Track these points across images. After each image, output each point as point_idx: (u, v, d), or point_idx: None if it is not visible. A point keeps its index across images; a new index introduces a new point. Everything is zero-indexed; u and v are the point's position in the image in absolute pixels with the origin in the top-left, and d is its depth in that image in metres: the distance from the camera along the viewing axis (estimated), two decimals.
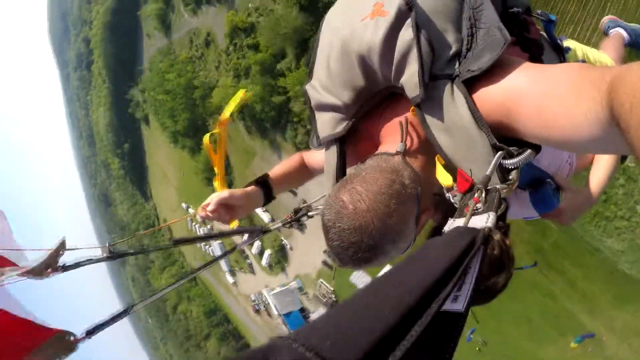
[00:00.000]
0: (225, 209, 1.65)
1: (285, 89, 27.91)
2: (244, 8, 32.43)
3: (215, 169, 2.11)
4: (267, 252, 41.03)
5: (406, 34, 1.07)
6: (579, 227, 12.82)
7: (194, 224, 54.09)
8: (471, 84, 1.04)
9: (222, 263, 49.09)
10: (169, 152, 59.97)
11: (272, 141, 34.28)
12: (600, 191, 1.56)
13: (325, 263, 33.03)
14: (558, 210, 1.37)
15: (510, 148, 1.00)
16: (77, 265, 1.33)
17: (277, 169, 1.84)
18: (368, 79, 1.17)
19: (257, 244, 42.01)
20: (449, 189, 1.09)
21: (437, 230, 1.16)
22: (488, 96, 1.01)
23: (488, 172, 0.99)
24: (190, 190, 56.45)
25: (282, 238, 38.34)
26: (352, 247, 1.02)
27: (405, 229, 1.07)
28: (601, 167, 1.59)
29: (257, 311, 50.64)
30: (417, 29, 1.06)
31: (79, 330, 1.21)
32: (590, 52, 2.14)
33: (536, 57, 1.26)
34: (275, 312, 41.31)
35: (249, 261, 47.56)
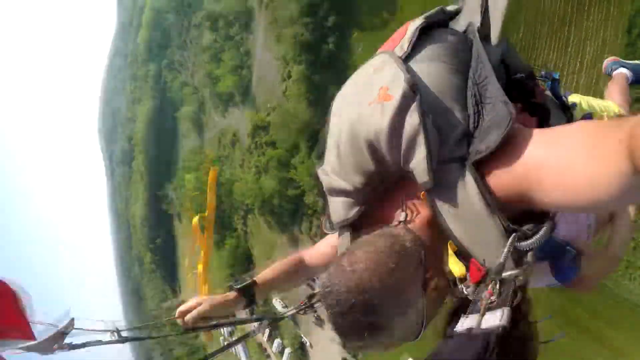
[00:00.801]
0: (204, 319, 1.63)
1: (300, 182, 28.54)
2: (265, 107, 34.35)
3: (203, 257, 2.26)
4: (287, 351, 39.30)
5: (412, 118, 1.05)
6: (612, 283, 11.31)
7: None
8: (482, 163, 1.00)
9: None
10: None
11: (290, 234, 34.52)
12: (623, 249, 1.49)
13: None
14: (579, 278, 1.29)
15: (525, 228, 0.97)
16: (84, 345, 1.36)
17: (267, 272, 1.78)
18: (377, 163, 1.15)
19: (277, 342, 40.82)
20: (462, 280, 1.06)
21: (454, 315, 1.06)
22: (502, 173, 0.98)
23: (501, 259, 0.96)
24: (217, 285, 55.95)
25: (302, 335, 37.23)
26: (351, 312, 0.97)
27: (408, 290, 1.02)
28: (621, 223, 1.50)
29: None
30: (423, 113, 1.05)
31: None
32: (596, 103, 2.10)
33: (544, 121, 1.23)
34: None
35: None
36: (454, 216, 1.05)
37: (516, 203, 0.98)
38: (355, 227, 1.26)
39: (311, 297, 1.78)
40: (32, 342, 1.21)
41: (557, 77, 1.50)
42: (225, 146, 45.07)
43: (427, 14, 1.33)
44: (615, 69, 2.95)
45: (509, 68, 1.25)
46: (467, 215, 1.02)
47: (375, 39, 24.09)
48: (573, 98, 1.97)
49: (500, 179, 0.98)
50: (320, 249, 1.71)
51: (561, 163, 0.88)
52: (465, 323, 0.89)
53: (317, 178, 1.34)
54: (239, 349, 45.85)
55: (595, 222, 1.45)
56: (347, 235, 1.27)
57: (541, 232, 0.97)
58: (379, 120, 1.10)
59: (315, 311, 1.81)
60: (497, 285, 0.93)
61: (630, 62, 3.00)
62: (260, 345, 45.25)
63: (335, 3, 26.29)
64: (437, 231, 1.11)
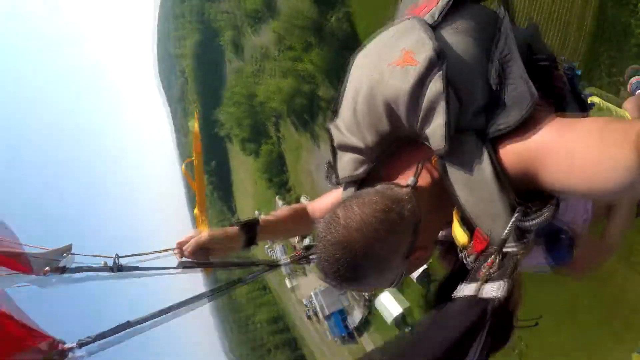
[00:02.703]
0: (203, 250, 1.63)
1: (314, 78, 31.40)
2: (285, 16, 36.79)
3: (197, 199, 1.97)
4: None
5: (435, 85, 1.07)
6: None
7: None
8: (497, 138, 1.05)
9: (283, 268, 51.36)
10: (244, 162, 65.69)
11: (311, 132, 37.34)
12: (618, 241, 1.53)
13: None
14: (572, 263, 1.29)
15: (530, 206, 1.02)
16: (77, 269, 1.30)
17: (271, 216, 1.82)
18: (393, 125, 1.17)
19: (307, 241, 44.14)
20: (464, 248, 1.11)
21: (446, 283, 1.18)
22: (515, 150, 1.02)
23: (504, 235, 1.00)
24: (261, 196, 61.04)
25: None
26: (335, 263, 1.03)
27: (391, 259, 1.07)
28: (618, 215, 1.54)
29: (309, 317, 53.03)
30: (447, 81, 1.06)
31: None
32: (613, 108, 2.15)
33: (559, 106, 1.22)
34: (321, 316, 43.34)
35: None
36: (465, 185, 1.07)
37: (523, 182, 1.01)
38: (361, 184, 1.27)
39: (308, 248, 1.88)
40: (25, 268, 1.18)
41: (579, 73, 1.46)
42: (257, 60, 48.08)
43: None
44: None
45: (532, 52, 1.23)
46: (478, 185, 1.05)
47: None
48: (593, 99, 2.02)
49: (512, 156, 1.02)
50: (324, 204, 1.73)
51: (571, 148, 0.91)
52: (464, 290, 0.93)
53: (328, 131, 1.34)
54: (277, 253, 50.09)
55: (592, 212, 1.41)
56: (352, 191, 1.28)
57: (545, 214, 0.99)
58: (400, 83, 1.10)
59: (310, 262, 1.87)
60: (498, 258, 0.95)
61: None
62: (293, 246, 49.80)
63: None
64: (439, 201, 1.16)
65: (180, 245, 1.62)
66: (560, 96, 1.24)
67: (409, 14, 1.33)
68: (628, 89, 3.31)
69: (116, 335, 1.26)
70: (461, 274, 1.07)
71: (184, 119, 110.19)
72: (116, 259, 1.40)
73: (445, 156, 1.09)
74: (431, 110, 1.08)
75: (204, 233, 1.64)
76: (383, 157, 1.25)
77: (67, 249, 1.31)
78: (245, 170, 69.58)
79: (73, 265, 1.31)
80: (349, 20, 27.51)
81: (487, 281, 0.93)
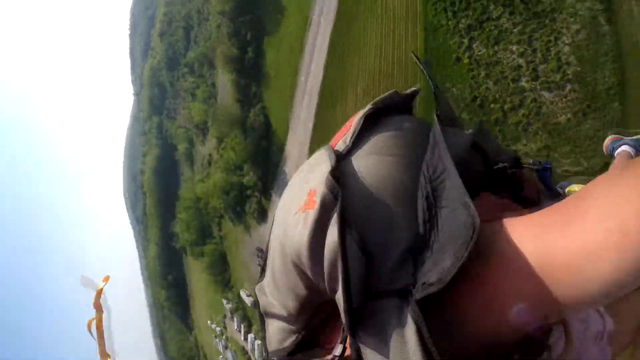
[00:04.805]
0: None
1: (241, 168, 35.22)
2: (218, 119, 41.87)
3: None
4: (257, 343, 42.54)
5: (331, 234, 0.79)
6: None
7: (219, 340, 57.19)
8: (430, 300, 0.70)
9: None
10: (198, 272, 65.91)
11: (245, 223, 39.85)
12: None
13: None
14: None
15: None
16: None
17: None
18: (308, 287, 0.90)
19: (250, 337, 44.43)
20: None
21: None
22: (487, 295, 0.70)
23: None
24: (212, 301, 60.72)
25: None
26: None
27: None
28: None
29: None
30: (343, 226, 0.77)
31: None
32: None
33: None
34: None
35: None
36: None
37: (499, 336, 0.72)
38: (293, 356, 1.06)
39: None
40: None
41: (548, 165, 1.29)
42: (204, 167, 52.13)
43: (376, 100, 1.04)
44: (618, 147, 2.81)
45: (487, 156, 1.03)
46: None
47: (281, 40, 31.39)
48: (572, 188, 1.86)
49: (481, 302, 0.71)
50: None
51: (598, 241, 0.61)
52: None
53: (255, 295, 1.11)
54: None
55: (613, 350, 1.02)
56: None
57: None
58: (297, 236, 0.85)
59: None
60: None
61: (632, 137, 2.85)
62: (242, 348, 48.97)
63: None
64: None
65: None
66: (534, 204, 1.05)
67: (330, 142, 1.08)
68: (605, 151, 3.06)
69: None
70: None
71: (144, 236, 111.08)
72: None
73: (356, 333, 0.76)
74: (334, 268, 0.79)
75: None
76: (313, 323, 1.00)
77: None
78: (198, 280, 69.70)
79: None
80: (264, 114, 32.23)
81: None
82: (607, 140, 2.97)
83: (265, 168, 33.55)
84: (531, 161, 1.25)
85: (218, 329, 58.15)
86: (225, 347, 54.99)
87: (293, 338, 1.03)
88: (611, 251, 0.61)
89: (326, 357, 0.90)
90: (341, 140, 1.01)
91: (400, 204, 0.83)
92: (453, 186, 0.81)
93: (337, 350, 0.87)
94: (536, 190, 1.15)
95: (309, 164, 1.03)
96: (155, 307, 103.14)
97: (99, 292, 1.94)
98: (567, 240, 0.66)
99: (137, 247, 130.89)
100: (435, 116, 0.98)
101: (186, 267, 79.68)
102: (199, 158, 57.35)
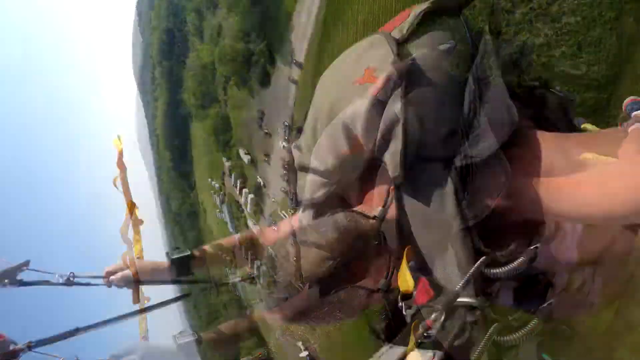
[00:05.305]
0: (130, 281, 1.64)
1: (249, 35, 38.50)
2: None
3: (131, 217, 1.92)
4: (250, 197, 46.45)
5: (394, 106, 0.96)
6: None
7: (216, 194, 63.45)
8: (468, 171, 0.91)
9: (229, 226, 56.12)
10: (202, 137, 71.51)
11: (250, 88, 43.39)
12: (599, 298, 1.28)
13: (284, 190, 35.58)
14: (543, 309, 1.09)
15: (499, 254, 0.89)
16: (33, 283, 1.42)
17: (210, 246, 1.79)
18: (352, 147, 1.08)
19: (244, 191, 48.43)
20: (406, 297, 0.95)
21: (377, 327, 1.06)
22: (492, 185, 0.89)
23: (457, 288, 0.85)
24: (212, 161, 66.60)
25: (257, 177, 44.38)
26: (284, 298, 1.00)
27: (340, 296, 1.01)
28: (606, 269, 1.27)
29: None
30: (407, 102, 0.94)
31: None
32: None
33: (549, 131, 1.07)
34: None
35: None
36: (422, 221, 0.96)
37: (503, 215, 0.90)
38: (320, 207, 1.20)
39: (258, 267, 1.78)
40: None
41: (573, 98, 1.33)
42: (213, 38, 54.23)
43: None
44: (636, 109, 2.40)
45: (522, 72, 1.13)
46: (437, 223, 0.93)
47: None
48: (586, 126, 1.85)
49: (496, 184, 0.89)
50: (280, 230, 1.62)
51: (592, 171, 0.83)
52: (384, 355, 0.83)
53: (289, 152, 1.28)
54: (225, 212, 55.55)
55: (576, 259, 1.20)
56: (309, 214, 1.23)
57: (516, 262, 0.88)
58: (358, 104, 1.02)
59: (255, 283, 1.82)
60: (442, 317, 0.81)
61: None
62: (237, 202, 53.86)
63: None
64: (402, 235, 1.03)
65: (107, 275, 1.61)
66: (552, 125, 1.13)
67: (380, 30, 1.21)
68: (624, 112, 2.55)
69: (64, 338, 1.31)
70: (396, 322, 0.95)
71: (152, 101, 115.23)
72: (71, 277, 1.47)
73: (401, 186, 0.97)
74: (389, 132, 0.98)
75: (132, 268, 1.62)
76: (344, 180, 1.16)
77: (25, 264, 1.36)
78: (201, 144, 74.68)
79: (30, 278, 1.38)
80: None
81: (419, 345, 0.79)
82: (628, 100, 2.70)
83: (272, 36, 35.17)
84: (558, 88, 1.24)
85: (217, 185, 62.86)
86: (222, 202, 60.16)
87: (324, 190, 1.18)
88: (620, 189, 0.74)
89: (367, 213, 1.05)
90: (396, 29, 1.13)
91: (449, 94, 1.00)
92: (497, 88, 0.97)
93: (379, 212, 1.03)
94: (555, 113, 1.16)
95: (362, 46, 1.19)
96: (160, 169, 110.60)
97: (120, 153, 1.99)
98: (588, 170, 0.80)
99: (146, 116, 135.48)
100: (487, 27, 1.09)
101: (191, 132, 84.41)
102: (208, 28, 59.51)
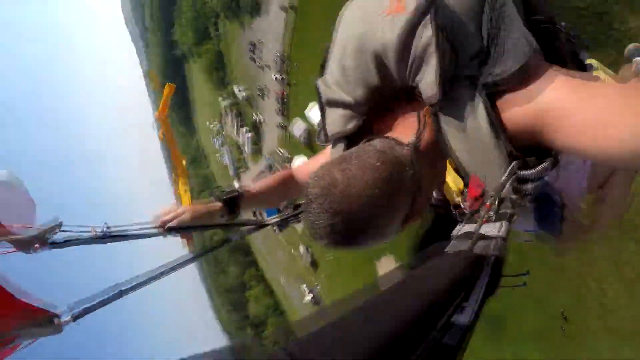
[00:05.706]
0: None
1: None
2: None
3: (178, 171, 3.59)
4: (248, 135, 46.49)
5: (425, 32, 1.00)
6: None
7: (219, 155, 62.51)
8: (494, 89, 0.98)
9: (230, 169, 55.96)
10: (200, 78, 70.03)
11: (241, 21, 42.08)
12: (606, 223, 1.50)
13: (280, 125, 36.54)
14: (558, 237, 1.28)
15: (528, 159, 0.98)
16: (65, 242, 1.32)
17: (255, 185, 1.78)
18: (383, 78, 1.11)
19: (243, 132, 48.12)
20: (460, 194, 1.09)
21: (427, 237, 1.15)
22: (518, 103, 0.95)
23: (502, 180, 0.96)
24: (209, 100, 66.01)
25: (253, 113, 44.18)
26: (328, 228, 0.96)
27: (388, 229, 1.03)
28: (615, 193, 1.45)
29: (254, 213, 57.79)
30: (437, 27, 0.99)
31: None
32: (611, 73, 2.06)
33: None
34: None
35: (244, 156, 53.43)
36: (459, 135, 1.03)
37: (522, 137, 0.96)
38: (351, 140, 1.22)
39: (296, 207, 1.84)
40: (15, 237, 1.17)
41: (577, 33, 1.33)
42: None
43: None
44: (637, 55, 2.88)
45: (530, 7, 1.16)
46: (473, 135, 1.00)
47: None
48: (590, 61, 1.90)
49: (512, 110, 0.96)
50: (311, 167, 1.59)
51: (591, 109, 0.85)
52: (463, 228, 0.91)
53: (316, 87, 1.27)
54: (225, 155, 55.48)
55: (586, 188, 1.37)
56: (341, 146, 1.25)
57: (543, 165, 0.96)
58: (389, 33, 1.04)
59: (299, 221, 1.81)
60: (496, 203, 0.92)
61: None
62: (236, 143, 53.91)
63: None
64: (436, 159, 1.12)
65: (163, 223, 1.57)
66: (560, 57, 1.16)
67: None
68: (625, 54, 3.16)
69: (105, 298, 1.27)
70: (449, 223, 1.04)
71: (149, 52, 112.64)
72: (105, 229, 1.40)
73: (438, 105, 1.03)
74: (421, 57, 1.02)
75: (187, 213, 1.60)
76: (373, 111, 1.20)
77: (58, 225, 1.29)
78: (198, 86, 74.36)
79: (61, 238, 1.29)
80: None
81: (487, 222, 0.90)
82: (631, 46, 3.01)
83: None
84: (563, 24, 1.27)
85: (216, 128, 62.85)
86: (222, 145, 60.28)
87: (355, 122, 1.20)
88: (621, 128, 0.78)
89: (401, 140, 1.08)
90: None
91: (470, 19, 1.05)
92: (513, 17, 1.03)
93: (412, 139, 1.09)
94: (564, 47, 1.20)
95: None
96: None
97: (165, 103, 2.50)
98: (593, 103, 0.85)
99: (141, 62, 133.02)
100: None
101: (188, 74, 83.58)
102: None
